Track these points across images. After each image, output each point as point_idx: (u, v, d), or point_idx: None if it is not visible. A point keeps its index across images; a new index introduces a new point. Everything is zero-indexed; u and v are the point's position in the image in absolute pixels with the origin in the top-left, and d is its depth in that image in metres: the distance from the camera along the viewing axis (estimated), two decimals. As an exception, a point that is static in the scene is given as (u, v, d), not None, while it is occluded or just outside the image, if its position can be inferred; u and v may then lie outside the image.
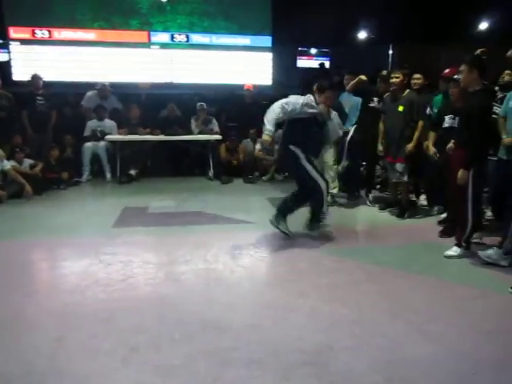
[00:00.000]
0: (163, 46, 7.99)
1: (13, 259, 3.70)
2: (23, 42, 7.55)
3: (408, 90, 4.83)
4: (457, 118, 4.18)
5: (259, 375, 2.20)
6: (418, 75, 5.20)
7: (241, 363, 2.27)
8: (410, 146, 4.68)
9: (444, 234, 4.25)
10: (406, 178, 4.80)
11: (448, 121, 4.40)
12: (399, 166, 4.76)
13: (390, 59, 11.87)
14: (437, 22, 9.69)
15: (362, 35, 12.13)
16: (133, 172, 6.84)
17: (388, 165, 4.98)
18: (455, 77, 4.30)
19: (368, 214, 5.19)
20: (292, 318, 2.74)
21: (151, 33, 7.92)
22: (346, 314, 2.79)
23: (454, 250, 3.76)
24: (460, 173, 3.56)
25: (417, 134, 4.69)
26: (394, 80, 4.78)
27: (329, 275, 3.40)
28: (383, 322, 2.71)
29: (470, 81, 3.60)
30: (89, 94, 7.29)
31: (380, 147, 4.98)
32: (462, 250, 3.75)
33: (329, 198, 5.32)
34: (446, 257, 3.74)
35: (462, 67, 3.63)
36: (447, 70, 4.84)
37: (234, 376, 2.18)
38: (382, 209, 5.20)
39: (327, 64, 12.32)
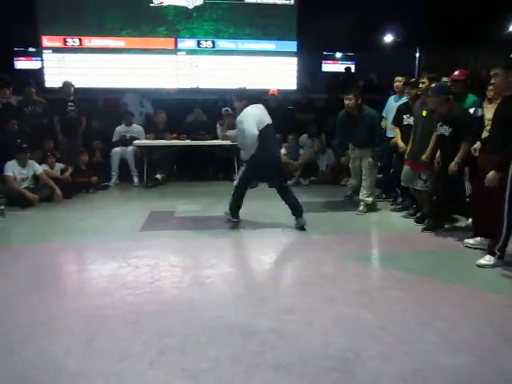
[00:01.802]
0: (189, 52, 8.09)
1: (44, 261, 3.80)
2: (55, 50, 7.77)
3: None
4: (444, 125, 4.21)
5: (287, 381, 2.19)
6: (445, 79, 5.10)
7: (268, 368, 2.27)
8: (424, 156, 4.53)
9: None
10: (428, 187, 4.64)
11: (439, 128, 4.30)
12: (423, 174, 4.64)
13: (417, 63, 11.69)
14: (464, 24, 9.51)
15: (388, 38, 12.00)
16: (159, 176, 6.94)
17: (409, 171, 4.81)
18: (432, 85, 4.39)
19: (394, 220, 5.10)
20: (318, 323, 2.73)
21: (178, 39, 8.03)
22: (373, 320, 2.75)
23: (487, 259, 3.61)
24: (490, 175, 3.45)
25: (432, 143, 4.50)
26: (420, 85, 4.72)
27: (355, 280, 3.36)
28: (412, 330, 2.66)
29: (507, 84, 3.46)
30: (130, 93, 7.59)
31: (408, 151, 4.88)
32: (496, 258, 3.59)
33: (361, 207, 5.34)
34: (478, 266, 3.61)
35: (497, 70, 3.48)
36: (457, 72, 4.69)
37: (261, 381, 2.19)
38: (412, 215, 5.09)
39: (353, 68, 12.21)
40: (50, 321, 2.79)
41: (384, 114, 5.75)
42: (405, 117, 5.15)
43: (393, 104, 5.58)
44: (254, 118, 4.46)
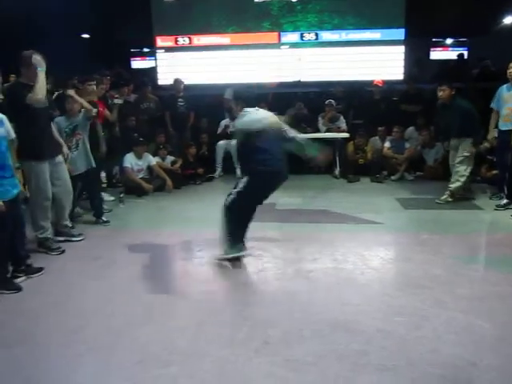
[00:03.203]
0: (293, 45, 8.10)
1: (156, 246, 4.12)
2: (167, 49, 8.31)
3: None
4: None
5: (392, 383, 2.13)
6: None
7: (373, 369, 2.22)
8: None
9: None
10: None
11: None
12: None
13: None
14: None
15: (509, 20, 10.85)
16: (261, 169, 7.08)
17: None
18: None
19: (509, 221, 4.64)
20: (426, 327, 2.60)
21: (281, 33, 8.09)
22: (489, 329, 2.55)
23: None
24: None
25: None
26: None
27: (469, 285, 3.14)
28: (535, 343, 2.42)
29: None
30: (229, 89, 7.82)
31: None
32: None
33: (444, 196, 5.25)
34: None
35: None
36: None
37: (366, 381, 2.15)
38: None
39: (466, 55, 11.28)
40: (165, 302, 3.02)
41: (493, 105, 5.23)
42: None
43: (505, 93, 5.06)
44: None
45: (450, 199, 5.21)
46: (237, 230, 3.54)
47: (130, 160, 6.00)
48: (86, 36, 11.01)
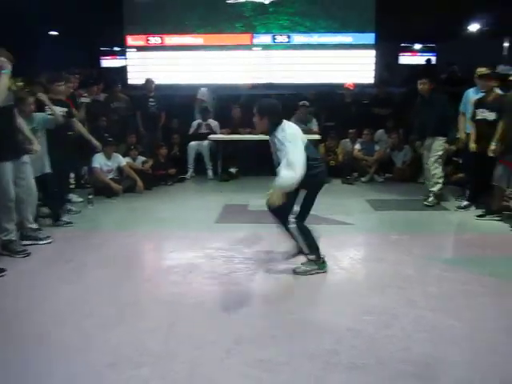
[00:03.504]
0: (265, 47, 8.13)
1: (127, 248, 4.05)
2: (139, 48, 8.19)
3: None
4: None
5: (362, 381, 2.15)
6: None
7: (344, 367, 2.24)
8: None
9: None
10: None
11: None
12: None
13: (505, 53, 10.86)
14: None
15: (474, 27, 11.23)
16: (233, 170, 7.08)
17: (502, 169, 4.52)
18: None
19: (474, 221, 4.77)
20: (396, 326, 2.64)
21: (254, 35, 8.10)
22: (457, 327, 2.62)
23: None
24: None
25: None
26: None
27: (439, 284, 3.21)
28: (500, 340, 2.49)
29: None
30: (203, 89, 7.81)
31: (492, 146, 4.57)
32: None
33: (430, 199, 5.29)
34: None
35: None
36: None
37: (336, 379, 2.16)
38: (481, 216, 4.80)
39: (434, 60, 11.61)
40: (136, 303, 2.97)
41: (462, 109, 5.40)
42: (478, 111, 4.91)
43: (472, 97, 5.22)
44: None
45: (436, 201, 5.30)
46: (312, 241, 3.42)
47: (99, 160, 5.87)
48: (54, 33, 10.76)
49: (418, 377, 2.18)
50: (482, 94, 4.98)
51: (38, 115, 4.36)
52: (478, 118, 4.92)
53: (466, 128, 5.28)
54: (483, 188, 4.99)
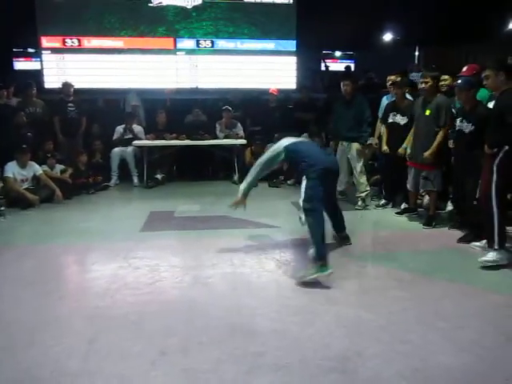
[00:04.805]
0: (189, 52, 8.09)
1: (46, 262, 3.81)
2: (54, 50, 7.77)
3: (439, 94, 4.73)
4: (465, 122, 4.12)
5: (287, 382, 2.20)
6: (445, 76, 5.10)
7: (268, 369, 2.28)
8: (426, 153, 4.57)
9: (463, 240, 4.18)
10: (435, 186, 4.68)
11: (458, 124, 4.24)
12: (428, 174, 4.67)
13: (416, 61, 11.70)
14: (463, 22, 9.48)
15: (388, 37, 11.97)
16: (159, 176, 6.95)
17: (413, 171, 4.87)
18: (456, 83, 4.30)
19: (390, 219, 5.10)
20: (319, 324, 2.74)
21: (177, 39, 8.03)
22: (373, 320, 2.77)
23: (491, 256, 3.59)
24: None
25: (436, 141, 4.56)
26: (423, 85, 4.72)
27: (356, 280, 3.38)
28: (412, 330, 2.67)
29: (498, 84, 3.60)
30: (132, 93, 7.71)
31: (408, 150, 4.91)
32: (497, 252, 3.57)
33: (360, 202, 5.49)
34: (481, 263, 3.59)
35: (488, 72, 3.63)
36: (465, 68, 4.44)
37: (262, 382, 2.19)
38: (398, 213, 5.19)
39: (352, 67, 12.21)
40: (53, 321, 2.80)
41: (379, 114, 5.74)
42: (391, 115, 5.27)
43: (386, 103, 5.59)
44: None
45: (364, 204, 5.51)
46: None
47: (12, 169, 5.48)
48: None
49: (339, 371, 2.27)
50: (394, 99, 5.34)
51: None
52: (390, 121, 5.26)
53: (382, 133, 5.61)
54: (397, 187, 5.35)
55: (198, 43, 8.10)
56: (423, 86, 4.73)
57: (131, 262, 3.72)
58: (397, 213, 5.22)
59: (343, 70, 11.72)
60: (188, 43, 8.09)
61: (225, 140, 7.19)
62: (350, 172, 5.68)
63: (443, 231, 4.57)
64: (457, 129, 4.25)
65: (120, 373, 2.27)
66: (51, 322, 2.80)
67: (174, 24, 7.99)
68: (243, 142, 7.17)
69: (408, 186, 4.96)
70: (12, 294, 3.19)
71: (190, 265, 3.73)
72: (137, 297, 3.13)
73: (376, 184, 6.07)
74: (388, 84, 5.63)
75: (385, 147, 5.31)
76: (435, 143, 4.56)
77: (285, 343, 2.52)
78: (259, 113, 7.74)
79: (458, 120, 4.24)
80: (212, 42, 8.12)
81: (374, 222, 5.16)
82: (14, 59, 11.15)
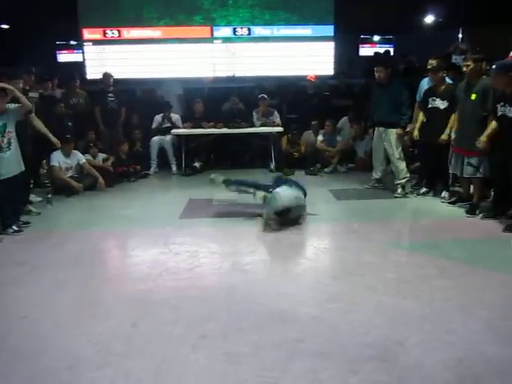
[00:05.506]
0: (225, 40, 8.09)
1: (89, 247, 3.95)
2: (95, 42, 7.98)
3: (484, 77, 4.52)
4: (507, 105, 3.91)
5: (326, 367, 2.20)
6: (468, 62, 4.79)
7: (307, 355, 2.29)
8: (481, 139, 4.29)
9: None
10: (481, 173, 4.50)
11: (500, 109, 4.05)
12: (474, 160, 4.49)
13: (459, 43, 11.22)
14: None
15: (429, 19, 11.54)
16: (197, 164, 7.02)
17: (458, 158, 4.70)
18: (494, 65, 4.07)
19: (431, 207, 4.96)
20: (358, 312, 2.72)
21: (214, 27, 8.04)
22: (415, 309, 2.72)
23: None
24: None
25: (490, 127, 4.27)
26: (465, 69, 4.53)
27: (397, 269, 3.32)
28: (455, 319, 2.61)
29: None
30: (168, 82, 7.74)
31: (452, 136, 4.74)
32: None
33: (399, 190, 5.36)
34: None
35: None
36: None
37: (301, 367, 2.21)
38: (451, 202, 4.97)
39: (392, 51, 11.86)
40: (97, 304, 2.91)
41: (418, 98, 5.56)
42: (430, 100, 5.09)
43: (426, 87, 5.39)
44: None
45: (404, 191, 5.39)
46: None
47: (57, 158, 5.69)
48: (4, 26, 10.32)
49: (379, 359, 2.25)
50: (433, 84, 5.15)
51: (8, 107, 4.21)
52: (430, 106, 5.07)
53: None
54: (437, 175, 5.20)
55: (234, 31, 8.09)
56: (465, 69, 4.54)
57: (171, 248, 3.80)
58: (449, 202, 4.97)
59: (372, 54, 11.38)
60: (225, 31, 8.08)
61: (261, 128, 7.17)
62: (387, 161, 5.55)
63: (487, 220, 4.41)
64: (499, 114, 4.07)
65: (163, 355, 2.33)
66: (95, 304, 2.91)
67: (210, 12, 8.00)
68: (280, 129, 7.13)
69: (451, 170, 4.80)
70: (57, 276, 3.33)
71: (228, 251, 3.78)
72: (177, 282, 3.20)
73: (416, 171, 5.90)
74: (429, 68, 5.43)
75: (416, 132, 5.16)
76: (489, 129, 4.30)
77: (324, 330, 2.52)
78: (296, 100, 7.67)
79: (499, 105, 4.06)
80: (249, 30, 8.08)
81: (414, 209, 5.04)
82: (57, 52, 11.53)
